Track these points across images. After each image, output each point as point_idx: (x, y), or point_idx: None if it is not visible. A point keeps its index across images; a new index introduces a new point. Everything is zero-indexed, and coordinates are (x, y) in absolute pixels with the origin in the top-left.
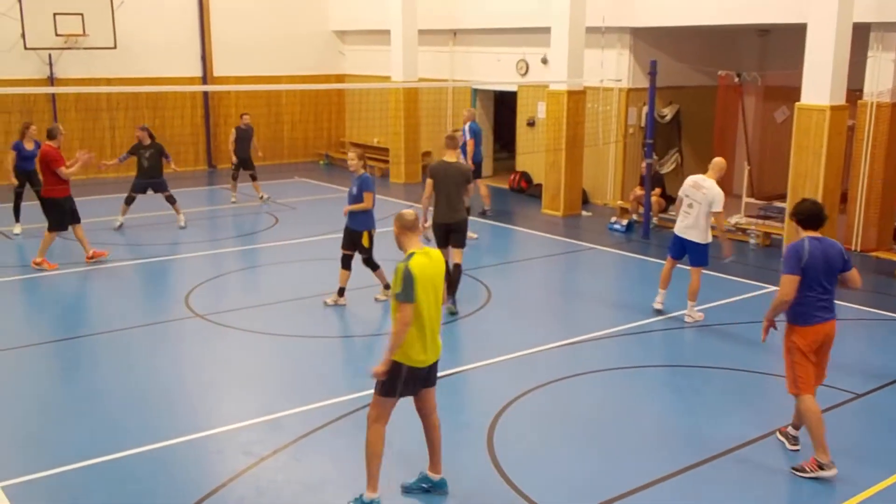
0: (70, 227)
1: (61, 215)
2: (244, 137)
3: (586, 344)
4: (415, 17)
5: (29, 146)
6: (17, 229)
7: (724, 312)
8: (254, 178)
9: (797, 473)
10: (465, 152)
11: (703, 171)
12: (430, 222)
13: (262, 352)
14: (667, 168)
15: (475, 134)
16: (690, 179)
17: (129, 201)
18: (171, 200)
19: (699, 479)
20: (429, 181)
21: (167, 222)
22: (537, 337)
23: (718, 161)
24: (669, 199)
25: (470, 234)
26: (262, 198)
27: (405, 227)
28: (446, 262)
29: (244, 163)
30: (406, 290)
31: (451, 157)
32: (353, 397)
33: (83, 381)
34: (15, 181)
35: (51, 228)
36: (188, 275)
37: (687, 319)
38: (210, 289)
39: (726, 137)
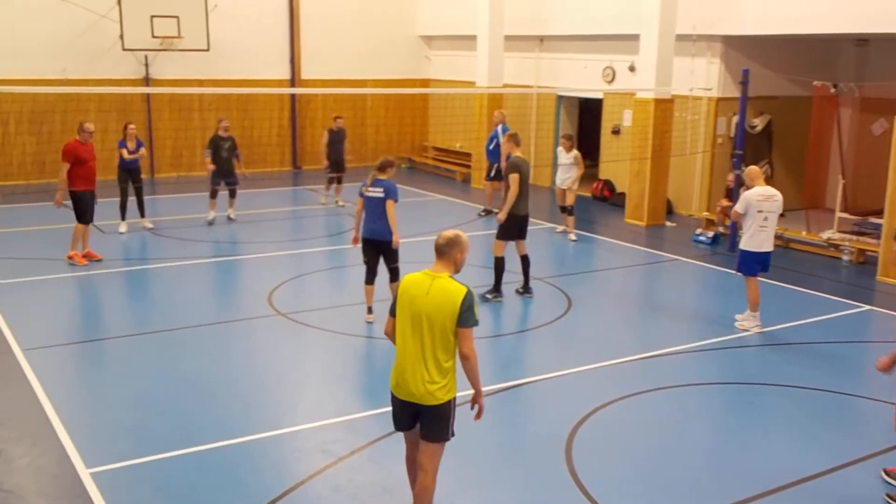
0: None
1: (83, 209)
2: (336, 140)
3: (668, 357)
4: (502, 23)
5: (131, 146)
6: (123, 227)
7: (812, 330)
8: (339, 181)
9: (891, 502)
10: (497, 154)
11: (795, 183)
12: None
13: (342, 352)
14: None
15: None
16: (759, 193)
17: (213, 195)
18: (233, 194)
19: None
20: (515, 176)
21: (255, 220)
22: (618, 348)
23: (757, 168)
24: None
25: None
26: (337, 202)
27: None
28: (519, 256)
29: (336, 165)
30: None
31: (520, 152)
32: None
33: (169, 374)
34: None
35: (77, 221)
36: (272, 273)
37: (742, 326)
38: (292, 288)
39: (820, 150)
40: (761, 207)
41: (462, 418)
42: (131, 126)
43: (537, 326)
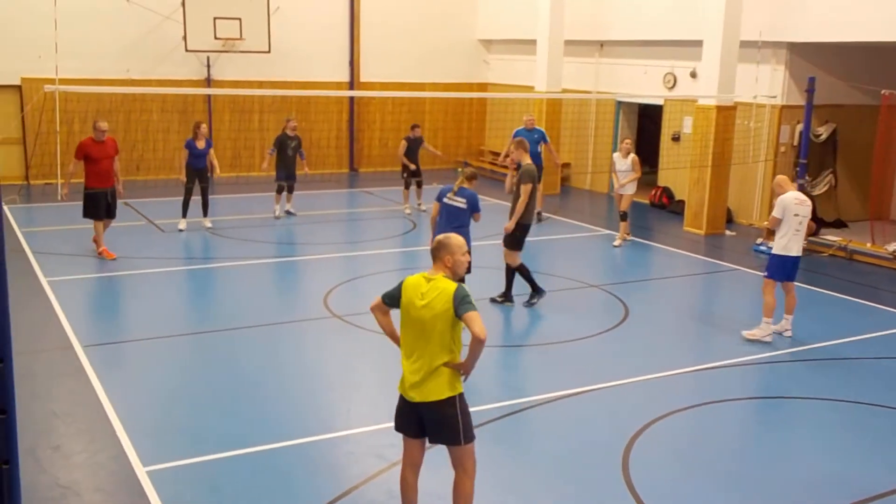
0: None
1: (91, 206)
2: (415, 148)
3: (726, 369)
4: (562, 28)
5: (200, 145)
6: (182, 225)
7: (876, 345)
8: (419, 185)
9: None
10: (538, 157)
11: (859, 194)
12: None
13: (397, 356)
14: (819, 189)
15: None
16: (794, 197)
17: (279, 190)
18: (290, 190)
19: None
20: (528, 187)
21: (313, 222)
22: (676, 359)
23: (785, 176)
24: (820, 222)
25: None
26: (419, 205)
27: None
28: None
29: (414, 171)
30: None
31: (528, 160)
32: (485, 409)
33: (226, 373)
34: (184, 178)
35: (91, 218)
36: (328, 275)
37: (787, 334)
38: (348, 290)
39: (887, 160)
40: (797, 211)
41: (517, 429)
42: (203, 126)
43: (594, 334)
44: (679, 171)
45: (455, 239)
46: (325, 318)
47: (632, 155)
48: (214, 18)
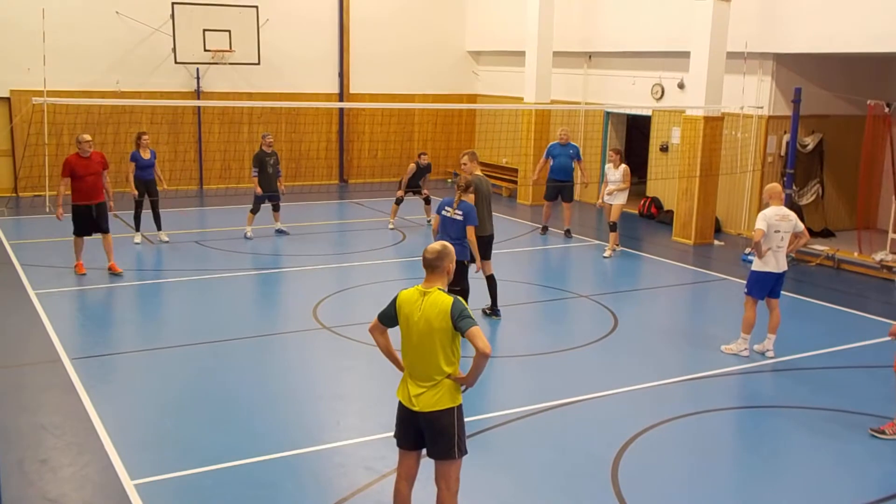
0: (101, 235)
1: (75, 221)
2: (420, 175)
3: (715, 379)
4: (550, 40)
5: (145, 155)
6: (138, 238)
7: (864, 354)
8: (427, 201)
9: (875, 434)
10: (556, 171)
11: (846, 203)
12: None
13: (387, 367)
14: (806, 199)
15: (550, 154)
16: (775, 213)
17: (256, 211)
18: (276, 208)
19: None
20: (471, 197)
21: (302, 233)
22: (664, 369)
23: (778, 186)
24: (808, 232)
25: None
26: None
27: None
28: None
29: (415, 190)
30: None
31: (479, 171)
32: (473, 419)
33: (215, 386)
34: (135, 192)
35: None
36: (317, 286)
37: (769, 354)
38: (338, 302)
39: (873, 169)
40: (778, 227)
41: (506, 440)
42: (145, 136)
43: (583, 345)
44: (667, 181)
45: (451, 247)
46: (315, 329)
47: (623, 166)
48: (204, 30)
